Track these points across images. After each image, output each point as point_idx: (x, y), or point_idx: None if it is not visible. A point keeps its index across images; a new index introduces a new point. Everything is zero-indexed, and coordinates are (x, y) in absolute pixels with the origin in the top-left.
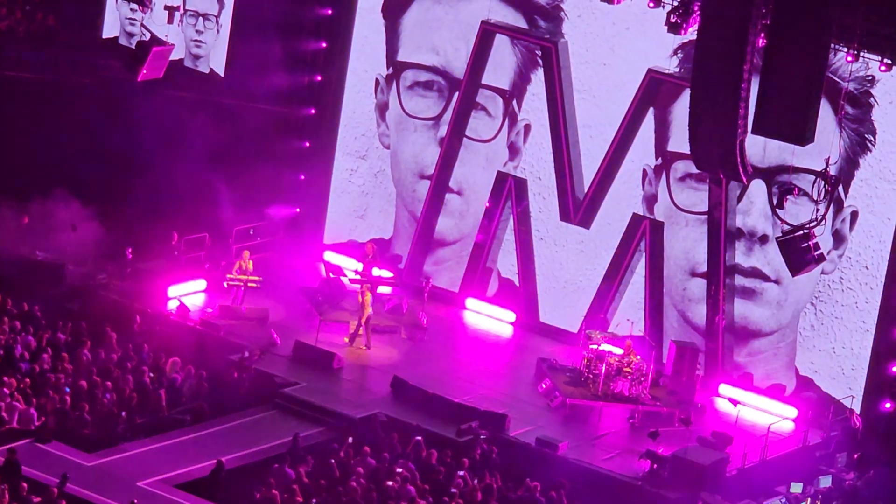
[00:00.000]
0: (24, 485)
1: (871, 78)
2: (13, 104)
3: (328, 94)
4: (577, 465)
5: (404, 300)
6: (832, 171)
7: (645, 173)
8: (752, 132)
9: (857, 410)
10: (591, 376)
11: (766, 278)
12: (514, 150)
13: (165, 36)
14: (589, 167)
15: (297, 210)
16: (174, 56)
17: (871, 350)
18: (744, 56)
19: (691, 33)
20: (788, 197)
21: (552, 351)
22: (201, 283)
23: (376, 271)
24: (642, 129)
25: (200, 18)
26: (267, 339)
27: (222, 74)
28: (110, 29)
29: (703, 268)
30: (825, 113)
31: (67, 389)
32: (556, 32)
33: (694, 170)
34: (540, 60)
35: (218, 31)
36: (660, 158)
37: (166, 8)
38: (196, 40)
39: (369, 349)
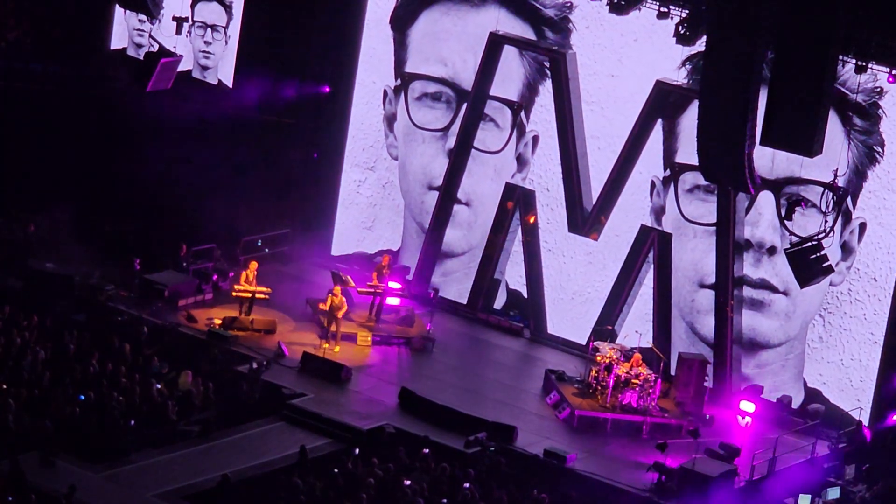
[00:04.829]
0: (33, 496)
1: (879, 89)
2: (21, 115)
3: (336, 105)
4: (584, 476)
5: (412, 312)
6: (840, 182)
7: (653, 184)
8: (761, 143)
9: (866, 422)
10: (599, 388)
11: (774, 290)
12: (522, 162)
13: (174, 47)
14: (597, 178)
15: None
16: (182, 67)
17: (879, 362)
18: (752, 67)
19: (700, 45)
20: (797, 208)
21: (560, 362)
22: (209, 295)
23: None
24: (650, 140)
25: (209, 29)
26: (275, 350)
27: (230, 85)
28: (118, 40)
29: (712, 279)
30: (833, 124)
31: (81, 398)
32: (565, 44)
33: (702, 181)
34: (548, 71)
35: (226, 42)
36: (668, 170)
37: (174, 19)
38: (204, 51)
39: (327, 347)
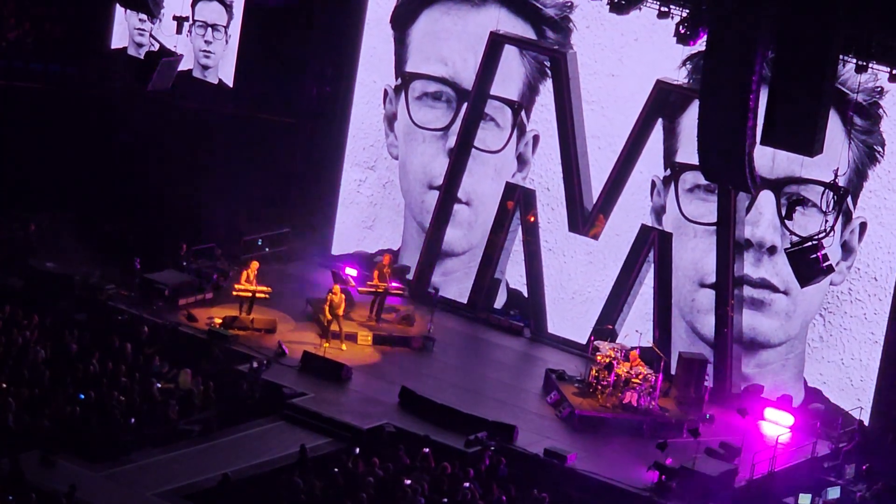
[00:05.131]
0: (33, 495)
1: (879, 89)
2: (21, 114)
3: (337, 104)
4: (585, 476)
5: (412, 311)
6: (841, 182)
7: (653, 184)
8: (761, 143)
9: (866, 422)
10: (599, 387)
11: (774, 289)
12: (522, 161)
13: (174, 46)
14: (598, 178)
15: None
16: (183, 66)
17: (879, 361)
18: (752, 67)
19: (700, 44)
20: (797, 208)
21: (560, 362)
22: (209, 294)
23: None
24: (651, 139)
25: (209, 29)
26: (275, 349)
27: (231, 85)
28: (119, 40)
29: (712, 279)
30: (834, 124)
31: (81, 397)
32: (565, 43)
33: (703, 180)
34: (549, 71)
35: (227, 41)
36: (668, 169)
37: (175, 18)
38: (205, 51)
39: (328, 346)
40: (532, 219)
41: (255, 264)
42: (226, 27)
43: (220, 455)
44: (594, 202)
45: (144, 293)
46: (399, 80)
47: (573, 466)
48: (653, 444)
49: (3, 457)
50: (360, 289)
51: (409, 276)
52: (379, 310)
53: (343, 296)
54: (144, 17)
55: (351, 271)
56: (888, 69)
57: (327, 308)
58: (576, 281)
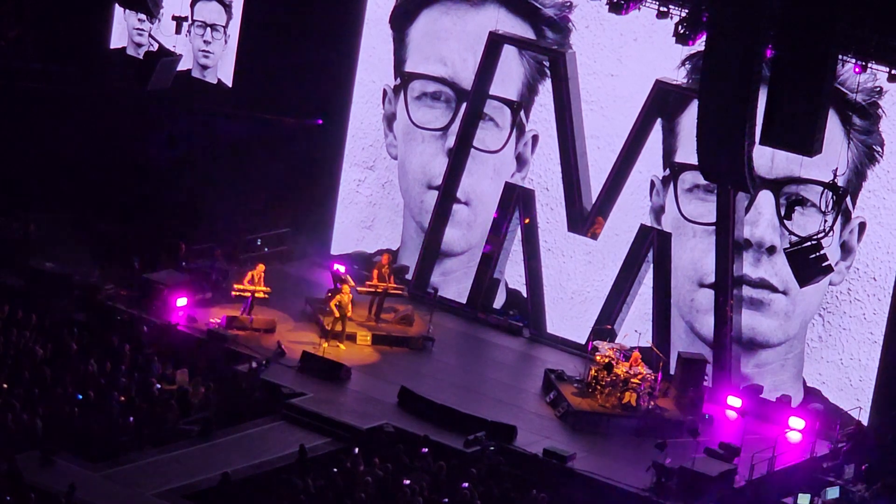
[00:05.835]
0: (32, 495)
1: (878, 89)
2: (21, 114)
3: (336, 104)
4: (585, 476)
5: (412, 311)
6: (840, 182)
7: (653, 184)
8: (761, 143)
9: (865, 422)
10: (598, 387)
11: (773, 289)
12: (521, 161)
13: (173, 46)
14: (597, 178)
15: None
16: (182, 66)
17: (878, 361)
18: (752, 67)
19: (699, 44)
20: (796, 208)
21: (560, 362)
22: (209, 294)
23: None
24: (650, 139)
25: (208, 29)
26: (274, 349)
27: (230, 85)
28: (118, 39)
29: (711, 279)
30: (833, 124)
31: (80, 397)
32: (564, 43)
33: (702, 180)
34: (548, 71)
35: (226, 41)
36: (667, 169)
37: (174, 18)
38: (204, 51)
39: (327, 346)
40: (527, 220)
41: (261, 267)
42: (225, 27)
43: (219, 455)
44: (593, 202)
45: (144, 293)
46: (398, 79)
47: (572, 466)
48: (652, 444)
49: (2, 457)
50: (359, 289)
51: (409, 276)
52: (378, 310)
53: (351, 295)
54: (143, 16)
55: (339, 268)
56: (888, 69)
57: (334, 306)
58: (575, 281)
